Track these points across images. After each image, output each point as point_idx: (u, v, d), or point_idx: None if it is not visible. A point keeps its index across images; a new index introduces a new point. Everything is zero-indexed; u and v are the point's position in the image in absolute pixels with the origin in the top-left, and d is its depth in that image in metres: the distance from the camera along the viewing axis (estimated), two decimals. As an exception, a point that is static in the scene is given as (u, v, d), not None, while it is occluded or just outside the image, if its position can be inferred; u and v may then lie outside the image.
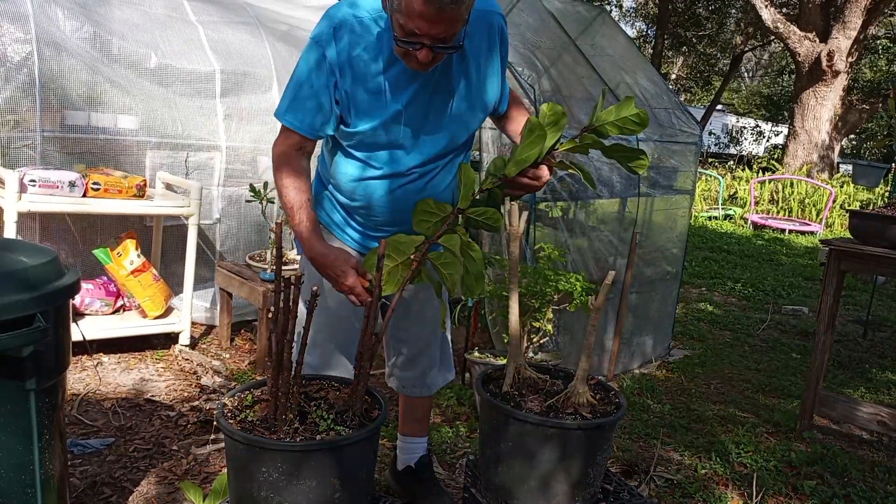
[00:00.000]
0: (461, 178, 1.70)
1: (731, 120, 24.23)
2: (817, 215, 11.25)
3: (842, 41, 12.35)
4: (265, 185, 3.65)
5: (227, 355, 3.62)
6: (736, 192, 12.85)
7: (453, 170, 1.94)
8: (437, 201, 1.73)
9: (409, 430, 2.37)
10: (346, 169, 1.90)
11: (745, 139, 23.25)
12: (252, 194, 3.65)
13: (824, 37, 12.79)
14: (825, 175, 12.89)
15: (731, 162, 18.00)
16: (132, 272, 3.36)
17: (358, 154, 1.87)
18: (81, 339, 3.06)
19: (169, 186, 3.68)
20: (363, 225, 1.99)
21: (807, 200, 11.72)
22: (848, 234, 3.24)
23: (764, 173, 14.11)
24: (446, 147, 1.89)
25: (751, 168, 16.09)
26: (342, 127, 1.82)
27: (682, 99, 11.73)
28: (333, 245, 1.90)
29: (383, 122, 1.78)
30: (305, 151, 1.86)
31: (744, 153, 20.86)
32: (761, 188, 12.34)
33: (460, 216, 1.72)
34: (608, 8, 19.92)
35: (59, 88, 3.40)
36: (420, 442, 2.38)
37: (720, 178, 12.88)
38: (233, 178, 3.96)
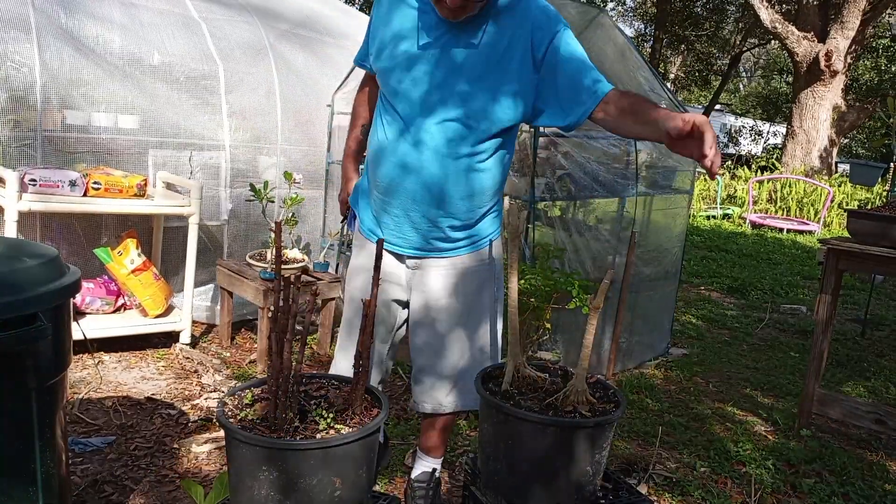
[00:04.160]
0: None
1: (730, 120, 24.25)
2: (815, 215, 11.27)
3: (840, 41, 12.37)
4: (265, 184, 3.65)
5: (228, 354, 3.63)
6: (734, 192, 12.86)
7: (469, 164, 1.91)
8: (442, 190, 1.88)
9: (424, 446, 2.29)
10: (374, 135, 2.03)
11: (744, 139, 23.26)
12: (252, 193, 3.65)
13: (822, 37, 12.81)
14: (823, 174, 12.91)
15: (730, 162, 18.01)
16: (133, 271, 3.37)
17: (384, 105, 1.99)
18: (82, 337, 3.06)
19: (170, 186, 3.69)
20: (380, 207, 2.03)
21: (805, 200, 11.74)
22: (846, 234, 3.25)
23: (762, 173, 14.13)
24: (458, 118, 1.86)
25: (749, 167, 16.10)
26: (376, 69, 1.98)
27: (680, 98, 11.73)
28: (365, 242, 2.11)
29: (399, 61, 1.89)
30: (371, 79, 2.13)
31: (742, 153, 20.87)
32: (760, 188, 12.35)
33: None
34: (610, 5, 19.93)
35: (60, 87, 3.41)
36: (430, 461, 2.29)
37: (719, 177, 12.89)
38: (239, 178, 3.96)
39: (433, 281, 2.07)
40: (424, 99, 1.87)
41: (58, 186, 3.10)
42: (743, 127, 23.65)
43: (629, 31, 24.44)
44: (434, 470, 2.29)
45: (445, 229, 1.98)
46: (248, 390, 1.72)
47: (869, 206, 7.71)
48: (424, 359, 2.12)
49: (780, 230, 10.39)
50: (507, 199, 1.92)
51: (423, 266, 2.06)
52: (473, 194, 1.96)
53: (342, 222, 2.40)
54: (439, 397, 2.14)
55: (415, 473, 2.31)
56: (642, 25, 24.37)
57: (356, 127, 2.22)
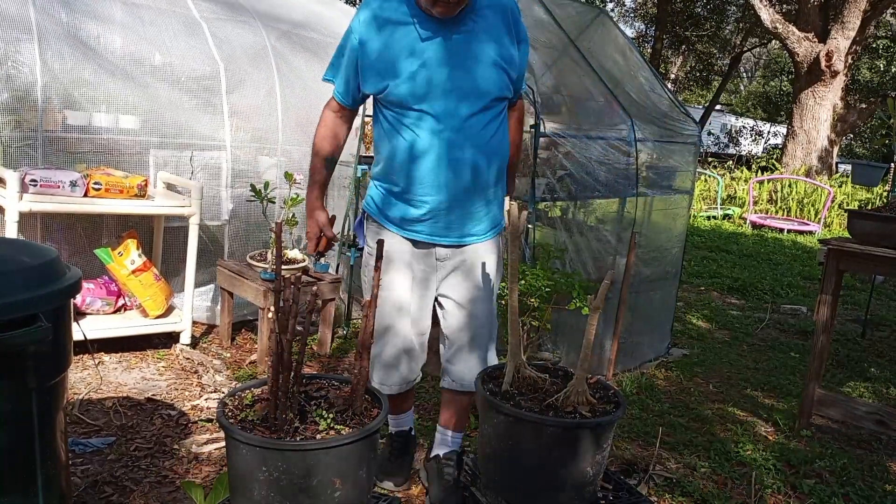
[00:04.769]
0: None
1: (730, 120, 24.24)
2: (816, 215, 11.26)
3: (840, 41, 12.36)
4: (266, 184, 3.65)
5: (228, 354, 3.63)
6: (735, 192, 12.86)
7: (490, 127, 2.13)
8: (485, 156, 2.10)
9: (445, 421, 2.42)
10: (398, 144, 2.10)
11: (744, 139, 23.26)
12: (253, 194, 3.65)
13: (823, 37, 12.80)
14: (824, 175, 12.91)
15: (730, 162, 18.01)
16: (133, 272, 3.37)
17: (400, 114, 2.08)
18: (83, 338, 3.06)
19: (170, 186, 3.69)
20: (416, 202, 2.14)
21: (805, 200, 11.73)
22: (846, 234, 3.25)
23: (763, 173, 14.13)
24: (476, 95, 2.07)
25: (749, 168, 16.10)
26: (379, 92, 2.07)
27: (680, 99, 11.72)
28: (385, 233, 2.22)
29: (411, 73, 2.02)
30: (339, 115, 2.21)
31: (743, 153, 20.87)
32: (760, 188, 12.35)
33: None
34: (610, 5, 19.95)
35: (61, 88, 3.41)
36: (452, 435, 2.40)
37: (719, 177, 12.90)
38: (240, 178, 3.96)
39: (464, 267, 2.24)
40: (450, 92, 2.05)
41: (58, 187, 3.10)
42: (743, 127, 23.64)
43: (630, 32, 24.46)
44: (463, 451, 2.40)
45: (491, 204, 2.20)
46: (248, 391, 1.72)
47: (869, 207, 7.70)
48: (461, 339, 2.28)
49: (781, 230, 10.38)
50: (507, 200, 1.93)
51: (453, 255, 2.23)
52: (501, 166, 2.22)
53: (315, 261, 2.55)
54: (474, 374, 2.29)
55: (442, 452, 2.39)
56: (643, 26, 24.37)
57: (321, 161, 2.25)
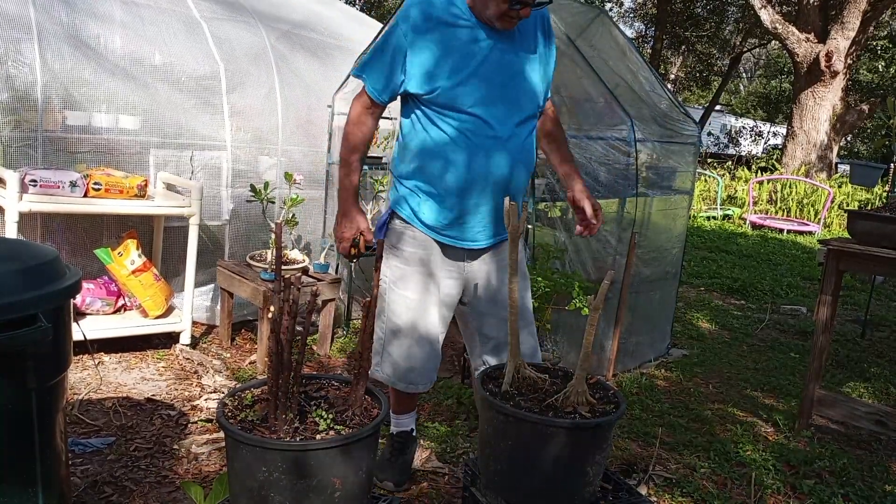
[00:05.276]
0: None
1: (730, 120, 24.25)
2: (815, 215, 11.27)
3: (840, 42, 12.37)
4: (266, 184, 3.66)
5: (228, 355, 3.63)
6: (735, 193, 12.86)
7: (532, 135, 2.22)
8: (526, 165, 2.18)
9: None
10: (440, 145, 2.11)
11: (744, 139, 23.27)
12: (252, 194, 3.65)
13: (823, 37, 12.81)
14: (823, 175, 12.91)
15: (730, 162, 18.02)
16: (133, 272, 3.37)
17: (446, 115, 2.08)
18: (82, 338, 3.06)
19: (170, 186, 3.69)
20: (457, 206, 2.16)
21: (805, 200, 11.74)
22: (846, 234, 3.25)
23: (762, 173, 14.13)
24: (521, 104, 2.14)
25: (749, 168, 16.11)
26: (428, 92, 2.07)
27: (680, 99, 11.73)
28: (416, 234, 2.22)
29: (466, 77, 2.05)
30: (372, 113, 2.21)
31: (742, 153, 20.88)
32: (760, 188, 12.36)
33: None
34: (608, 6, 19.96)
35: (61, 87, 3.41)
36: None
37: (719, 178, 12.90)
38: (240, 178, 3.96)
39: (499, 264, 2.27)
40: (502, 99, 2.09)
41: (58, 187, 3.10)
42: (743, 127, 23.65)
43: (629, 32, 24.48)
44: None
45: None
46: (248, 391, 1.72)
47: (869, 207, 7.71)
48: (504, 333, 2.29)
49: (781, 231, 10.39)
50: (507, 200, 1.93)
51: (486, 257, 2.27)
52: (531, 172, 2.31)
53: (351, 261, 2.58)
54: (531, 353, 2.36)
55: None
56: (643, 26, 24.40)
57: (357, 170, 2.25)
